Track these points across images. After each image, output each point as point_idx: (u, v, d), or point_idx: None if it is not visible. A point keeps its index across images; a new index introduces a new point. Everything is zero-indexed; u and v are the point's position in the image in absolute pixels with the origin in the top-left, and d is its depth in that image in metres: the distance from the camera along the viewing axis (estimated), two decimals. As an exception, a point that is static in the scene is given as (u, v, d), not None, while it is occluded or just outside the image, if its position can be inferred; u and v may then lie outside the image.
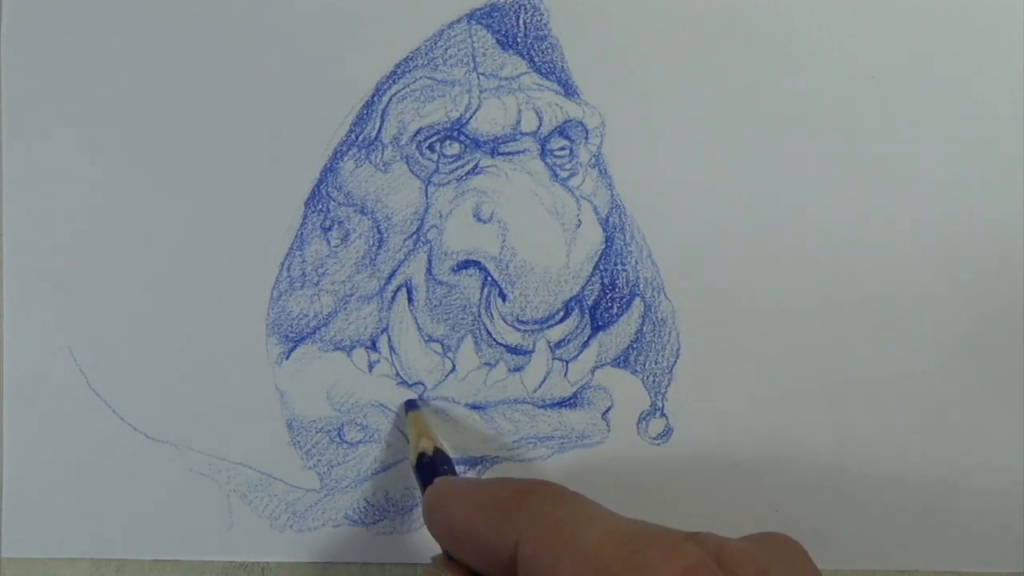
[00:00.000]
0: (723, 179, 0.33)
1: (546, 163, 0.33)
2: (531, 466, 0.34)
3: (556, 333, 0.33)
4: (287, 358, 0.33)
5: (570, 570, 0.22)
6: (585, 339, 0.33)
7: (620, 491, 0.33)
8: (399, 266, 0.33)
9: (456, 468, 0.31)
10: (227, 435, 0.33)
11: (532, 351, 0.33)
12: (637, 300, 0.33)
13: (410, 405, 0.33)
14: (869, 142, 0.33)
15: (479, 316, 0.33)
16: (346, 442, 0.33)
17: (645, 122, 0.33)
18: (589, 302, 0.33)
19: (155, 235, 0.33)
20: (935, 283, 0.33)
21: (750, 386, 0.33)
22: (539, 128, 0.33)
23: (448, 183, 0.33)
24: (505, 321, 0.33)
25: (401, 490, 0.33)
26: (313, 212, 0.33)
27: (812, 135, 0.33)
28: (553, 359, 0.33)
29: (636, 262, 0.33)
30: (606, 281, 0.33)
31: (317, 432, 0.33)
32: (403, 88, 0.33)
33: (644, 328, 0.33)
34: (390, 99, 0.33)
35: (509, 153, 0.33)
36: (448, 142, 0.33)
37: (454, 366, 0.33)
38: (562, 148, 0.33)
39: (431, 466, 0.30)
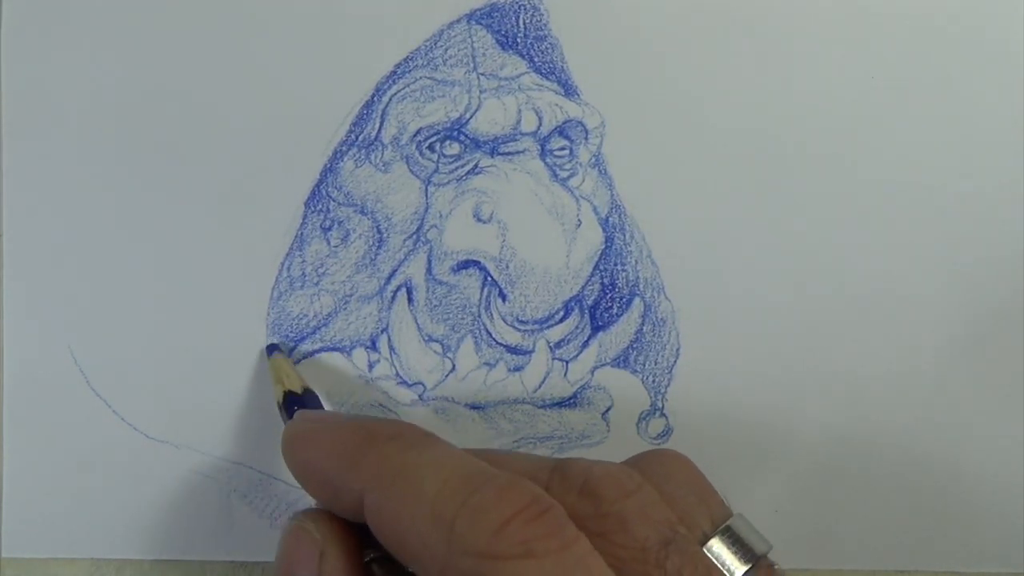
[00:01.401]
0: (723, 179, 0.33)
1: (546, 163, 0.33)
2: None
3: (556, 333, 0.33)
4: (287, 358, 0.33)
5: (409, 519, 0.21)
6: (585, 339, 0.33)
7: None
8: (399, 266, 0.33)
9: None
10: (227, 435, 0.33)
11: (532, 351, 0.33)
12: (637, 300, 0.33)
13: (271, 349, 0.32)
14: (869, 142, 0.33)
15: (479, 316, 0.33)
16: (346, 442, 0.33)
17: (645, 122, 0.33)
18: (589, 302, 0.33)
19: (155, 235, 0.33)
20: (935, 283, 0.33)
21: (750, 386, 0.33)
22: (539, 128, 0.33)
23: (448, 183, 0.33)
24: (505, 321, 0.33)
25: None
26: (313, 212, 0.33)
27: (812, 135, 0.33)
28: (553, 359, 0.33)
29: (636, 262, 0.33)
30: (606, 281, 0.33)
31: (317, 432, 0.33)
32: (403, 88, 0.33)
33: (644, 328, 0.33)
34: (390, 99, 0.33)
35: (509, 153, 0.33)
36: (448, 142, 0.33)
37: (454, 366, 0.33)
38: (562, 148, 0.33)
39: (299, 402, 0.29)
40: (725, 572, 0.22)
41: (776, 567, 0.23)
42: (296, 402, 0.30)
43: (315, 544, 0.24)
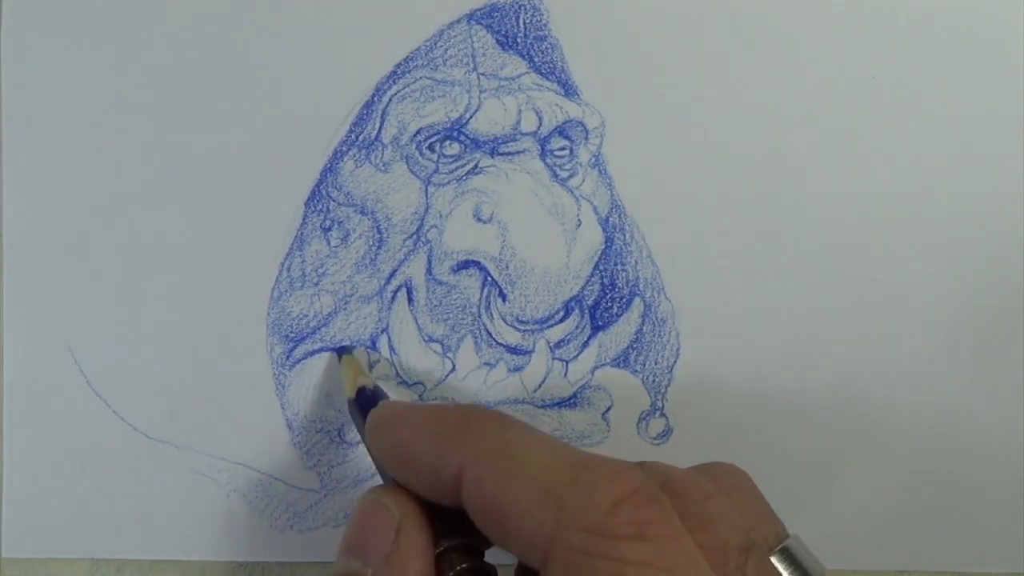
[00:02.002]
0: (723, 179, 0.33)
1: (546, 163, 0.33)
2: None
3: (556, 333, 0.33)
4: (287, 358, 0.33)
5: (514, 493, 0.22)
6: (585, 339, 0.33)
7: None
8: (399, 266, 0.33)
9: None
10: (227, 435, 0.33)
11: (532, 351, 0.33)
12: (637, 300, 0.33)
13: (343, 350, 0.32)
14: (869, 141, 0.33)
15: (479, 316, 0.33)
16: (346, 442, 0.33)
17: (645, 122, 0.33)
18: (589, 302, 0.33)
19: (155, 235, 0.33)
20: (935, 283, 0.33)
21: (750, 386, 0.33)
22: (539, 128, 0.33)
23: (448, 183, 0.33)
24: (505, 321, 0.33)
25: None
26: (313, 212, 0.33)
27: (812, 135, 0.33)
28: (553, 359, 0.33)
29: (636, 262, 0.33)
30: (606, 281, 0.33)
31: (317, 432, 0.33)
32: (403, 88, 0.33)
33: (644, 328, 0.33)
34: (390, 99, 0.33)
35: (509, 153, 0.33)
36: (448, 142, 0.33)
37: (454, 366, 0.33)
38: (562, 148, 0.33)
39: (373, 399, 0.29)
40: None
41: None
42: (368, 399, 0.30)
43: (392, 519, 0.24)
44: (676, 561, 0.20)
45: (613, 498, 0.21)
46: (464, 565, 0.24)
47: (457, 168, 0.33)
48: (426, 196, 0.33)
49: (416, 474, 0.25)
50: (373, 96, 0.33)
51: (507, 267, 0.33)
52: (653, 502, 0.21)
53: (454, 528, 0.24)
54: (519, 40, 0.33)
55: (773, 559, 0.23)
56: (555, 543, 0.21)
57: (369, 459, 0.33)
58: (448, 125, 0.33)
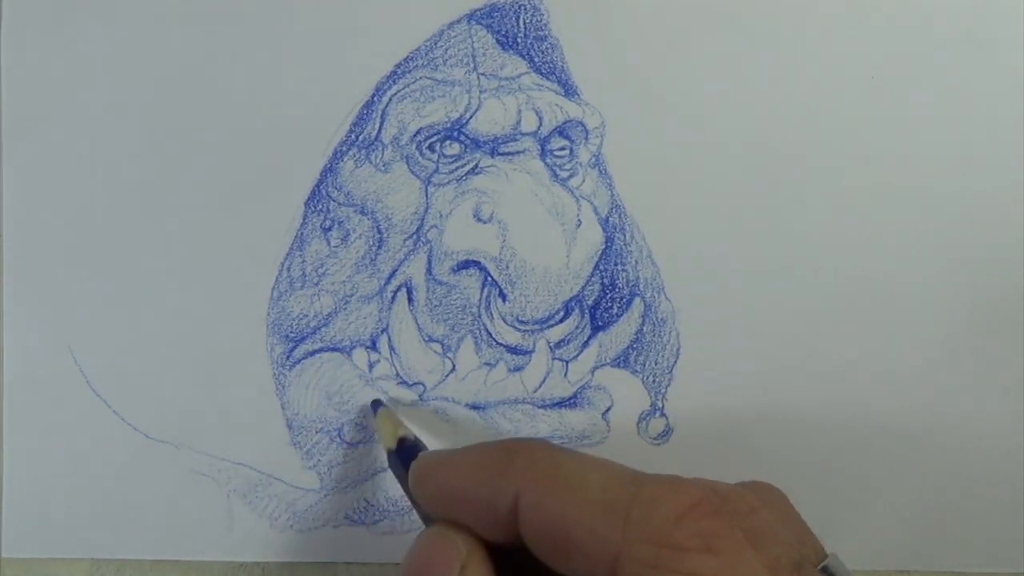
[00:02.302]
0: (723, 179, 0.33)
1: (546, 163, 0.33)
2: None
3: (556, 333, 0.33)
4: (287, 358, 0.33)
5: (576, 512, 0.22)
6: (585, 339, 0.33)
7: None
8: (399, 266, 0.33)
9: None
10: (227, 435, 0.33)
11: (532, 351, 0.33)
12: (637, 300, 0.33)
13: (377, 404, 0.33)
14: (869, 142, 0.33)
15: (479, 316, 0.33)
16: (346, 442, 0.33)
17: (645, 122, 0.33)
18: (589, 302, 0.33)
19: (155, 235, 0.33)
20: (935, 283, 0.33)
21: (750, 386, 0.33)
22: (539, 128, 0.33)
23: (448, 183, 0.33)
24: (505, 321, 0.33)
25: (401, 490, 0.33)
26: (313, 212, 0.33)
27: (812, 135, 0.33)
28: (553, 359, 0.33)
29: (636, 262, 0.33)
30: (606, 281, 0.33)
31: (317, 432, 0.33)
32: (403, 88, 0.33)
33: (644, 328, 0.33)
34: (390, 99, 0.33)
35: (509, 153, 0.33)
36: (448, 142, 0.33)
37: (454, 366, 0.33)
38: (562, 148, 0.33)
39: (414, 449, 0.29)
40: None
41: None
42: (409, 449, 0.30)
43: (458, 555, 0.24)
44: (742, 574, 0.20)
45: (677, 510, 0.21)
46: None
47: (457, 168, 0.33)
48: (426, 196, 0.33)
49: (469, 512, 0.24)
50: (373, 96, 0.33)
51: (507, 267, 0.33)
52: (717, 514, 0.21)
53: (513, 568, 0.24)
54: (519, 40, 0.33)
55: None
56: (622, 558, 0.21)
57: (368, 459, 0.33)
58: (448, 125, 0.33)
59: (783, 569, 0.21)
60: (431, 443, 0.33)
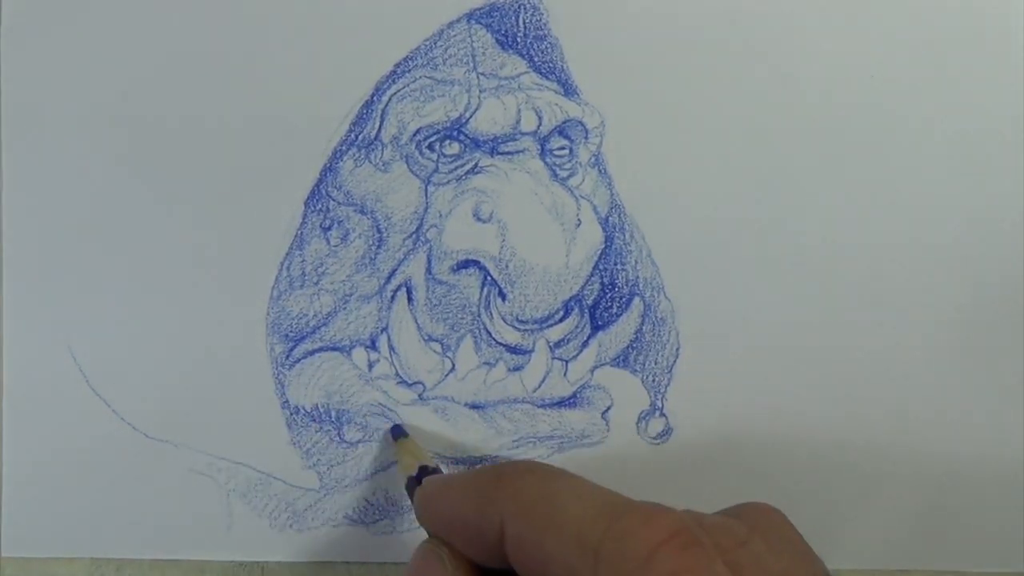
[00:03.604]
0: (723, 179, 0.33)
1: (546, 163, 0.33)
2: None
3: (556, 333, 0.33)
4: (287, 357, 0.33)
5: (553, 545, 0.22)
6: (585, 339, 0.33)
7: (619, 491, 0.33)
8: (399, 266, 0.33)
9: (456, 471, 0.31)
10: (227, 435, 0.33)
11: (532, 351, 0.33)
12: (637, 300, 0.33)
13: (397, 431, 0.33)
14: (868, 141, 0.33)
15: (479, 316, 0.33)
16: (346, 442, 0.33)
17: (645, 122, 0.33)
18: (589, 302, 0.33)
19: (155, 235, 0.33)
20: (935, 283, 0.33)
21: (750, 386, 0.33)
22: (539, 128, 0.33)
23: (448, 183, 0.33)
24: (505, 321, 0.33)
25: (401, 490, 0.33)
26: (313, 212, 0.33)
27: (812, 134, 0.33)
28: (553, 359, 0.33)
29: (636, 262, 0.33)
30: (606, 281, 0.33)
31: (317, 432, 0.33)
32: (403, 88, 0.33)
33: (644, 328, 0.33)
34: (390, 99, 0.33)
35: (509, 153, 0.33)
36: (448, 142, 0.33)
37: (454, 366, 0.33)
38: (562, 148, 0.33)
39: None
40: None
41: None
42: (432, 471, 0.30)
43: (444, 571, 0.24)
44: None
45: (650, 544, 0.20)
46: None
47: (457, 167, 0.33)
48: (426, 195, 0.33)
49: (463, 538, 0.25)
50: (373, 95, 0.33)
51: (507, 266, 0.33)
52: (692, 547, 0.21)
53: None
54: (519, 39, 0.33)
55: None
56: None
57: (368, 459, 0.33)
58: (448, 124, 0.33)
59: None
60: (431, 443, 0.33)
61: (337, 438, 0.33)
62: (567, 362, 0.33)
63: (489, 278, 0.33)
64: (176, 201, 0.33)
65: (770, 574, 0.22)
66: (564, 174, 0.33)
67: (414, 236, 0.33)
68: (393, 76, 0.33)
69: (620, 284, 0.33)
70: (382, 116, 0.33)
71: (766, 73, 0.33)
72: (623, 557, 0.20)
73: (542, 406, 0.33)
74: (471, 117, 0.33)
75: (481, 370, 0.33)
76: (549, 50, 0.33)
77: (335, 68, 0.33)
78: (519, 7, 0.33)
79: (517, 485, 0.24)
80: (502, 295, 0.33)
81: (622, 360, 0.33)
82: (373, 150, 0.33)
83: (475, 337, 0.33)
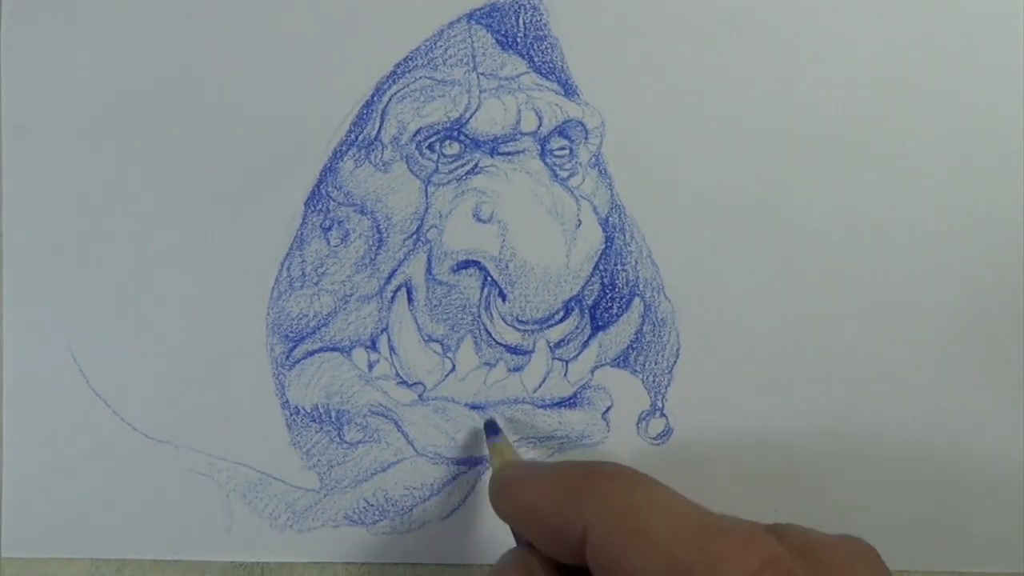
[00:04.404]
0: (723, 179, 0.33)
1: (546, 163, 0.33)
2: (531, 466, 0.34)
3: (556, 333, 0.33)
4: (287, 358, 0.33)
5: (640, 559, 0.21)
6: (585, 339, 0.33)
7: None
8: (399, 266, 0.33)
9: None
10: (227, 435, 0.33)
11: (532, 351, 0.33)
12: (637, 300, 0.33)
13: (492, 429, 0.32)
14: (869, 142, 0.33)
15: (479, 316, 0.33)
16: (346, 442, 0.33)
17: (645, 122, 0.33)
18: (589, 302, 0.33)
19: (155, 235, 0.33)
20: (935, 283, 0.33)
21: (750, 386, 0.33)
22: (539, 128, 0.33)
23: (448, 183, 0.33)
24: (505, 321, 0.33)
25: (401, 490, 0.33)
26: (313, 212, 0.33)
27: (812, 134, 0.33)
28: (553, 359, 0.33)
29: (636, 262, 0.33)
30: (606, 281, 0.33)
31: (317, 432, 0.33)
32: (403, 88, 0.33)
33: (644, 328, 0.33)
34: (390, 99, 0.33)
35: (509, 153, 0.33)
36: (448, 142, 0.33)
37: (454, 366, 0.33)
38: (562, 148, 0.33)
39: None
40: None
41: None
42: None
43: None
44: None
45: (747, 570, 0.20)
46: None
47: (457, 168, 0.33)
48: (426, 196, 0.33)
49: (541, 534, 0.24)
50: (373, 96, 0.33)
51: (507, 267, 0.33)
52: (790, 574, 0.20)
53: None
54: (519, 40, 0.33)
55: None
56: None
57: (368, 459, 0.33)
58: (448, 125, 0.33)
59: None
60: (431, 443, 0.33)
61: (337, 438, 0.33)
62: (567, 362, 0.33)
63: (489, 278, 0.33)
64: (176, 202, 0.33)
65: None
66: (564, 174, 0.33)
67: (414, 236, 0.33)
68: (393, 76, 0.33)
69: (620, 284, 0.33)
70: (382, 116, 0.33)
71: (766, 74, 0.33)
72: None
73: (542, 406, 0.33)
74: (471, 117, 0.33)
75: (481, 370, 0.33)
76: (549, 50, 0.33)
77: (335, 68, 0.33)
78: (519, 7, 0.33)
79: (606, 488, 0.23)
80: (502, 295, 0.33)
81: (622, 360, 0.33)
82: (373, 150, 0.33)
83: (475, 337, 0.33)
